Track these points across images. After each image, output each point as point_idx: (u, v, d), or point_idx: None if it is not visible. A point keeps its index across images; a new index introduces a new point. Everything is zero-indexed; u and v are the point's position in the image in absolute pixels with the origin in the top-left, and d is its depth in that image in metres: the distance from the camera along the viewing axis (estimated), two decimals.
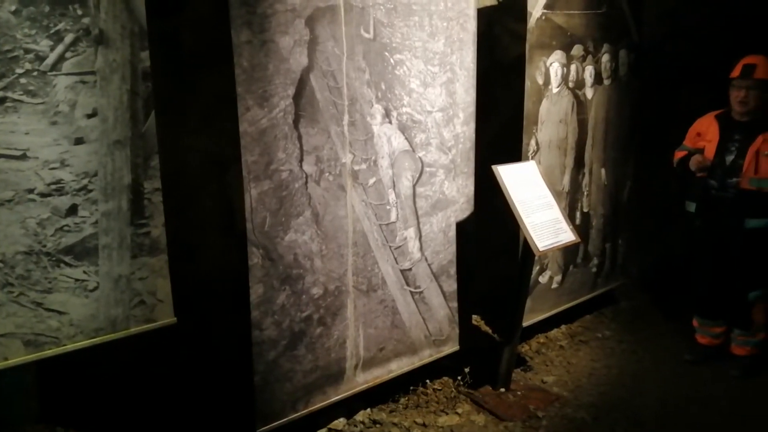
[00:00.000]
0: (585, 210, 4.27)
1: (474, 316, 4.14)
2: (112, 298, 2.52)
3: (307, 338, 2.86)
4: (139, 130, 2.52)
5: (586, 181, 4.22)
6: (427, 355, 3.45)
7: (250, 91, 2.49)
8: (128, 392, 2.93)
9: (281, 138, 2.62)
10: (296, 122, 2.66)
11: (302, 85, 2.66)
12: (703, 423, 3.31)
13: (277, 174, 2.63)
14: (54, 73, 2.27)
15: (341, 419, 3.16)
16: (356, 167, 2.94)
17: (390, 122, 3.05)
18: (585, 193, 4.24)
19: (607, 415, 3.37)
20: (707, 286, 3.88)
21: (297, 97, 2.65)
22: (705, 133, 3.76)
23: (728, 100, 3.64)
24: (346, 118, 2.86)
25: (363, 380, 3.16)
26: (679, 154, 3.89)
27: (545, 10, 3.65)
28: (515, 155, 3.65)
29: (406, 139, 3.13)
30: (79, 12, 2.30)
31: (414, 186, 3.21)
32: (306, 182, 2.75)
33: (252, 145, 2.53)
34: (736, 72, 3.56)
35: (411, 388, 3.48)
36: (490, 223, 3.67)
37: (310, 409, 2.93)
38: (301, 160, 2.71)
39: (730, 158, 3.61)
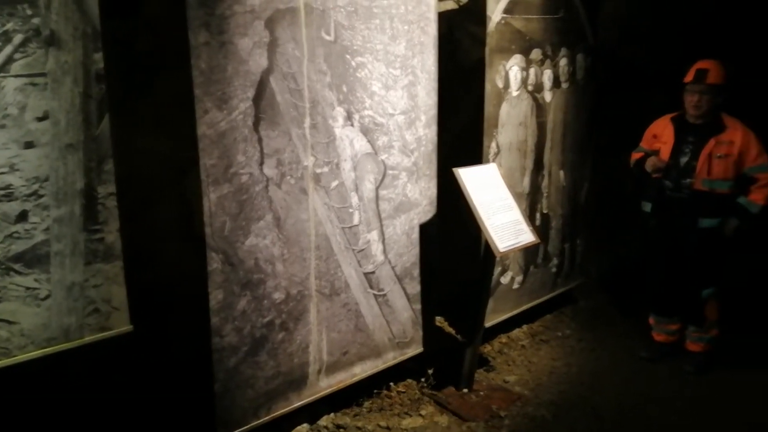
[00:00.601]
0: (544, 211, 4.33)
1: (437, 318, 4.16)
2: (64, 306, 2.44)
3: (269, 344, 2.83)
4: (93, 134, 2.44)
5: (545, 182, 4.28)
6: (391, 358, 3.45)
7: (209, 93, 2.44)
8: (84, 403, 2.84)
9: (241, 141, 2.58)
10: (256, 125, 2.63)
11: (262, 87, 2.63)
12: (660, 419, 3.39)
13: (236, 177, 2.59)
14: (2, 74, 2.19)
15: (304, 425, 3.14)
16: (318, 170, 2.92)
17: (352, 125, 3.03)
18: (544, 195, 4.30)
19: (567, 413, 3.43)
20: (662, 284, 3.97)
21: (257, 100, 2.61)
22: (660, 135, 3.84)
23: (683, 103, 3.73)
24: (307, 120, 2.83)
25: (326, 385, 3.14)
26: (635, 156, 3.97)
27: (505, 15, 3.68)
28: (476, 158, 3.69)
29: (369, 141, 3.12)
30: (29, 12, 2.22)
31: (377, 189, 3.20)
32: (267, 186, 2.71)
33: (211, 148, 2.49)
34: (689, 77, 3.63)
35: (375, 391, 3.47)
36: (452, 225, 3.69)
37: (273, 415, 2.89)
38: (261, 164, 2.67)
39: (684, 160, 3.71)
